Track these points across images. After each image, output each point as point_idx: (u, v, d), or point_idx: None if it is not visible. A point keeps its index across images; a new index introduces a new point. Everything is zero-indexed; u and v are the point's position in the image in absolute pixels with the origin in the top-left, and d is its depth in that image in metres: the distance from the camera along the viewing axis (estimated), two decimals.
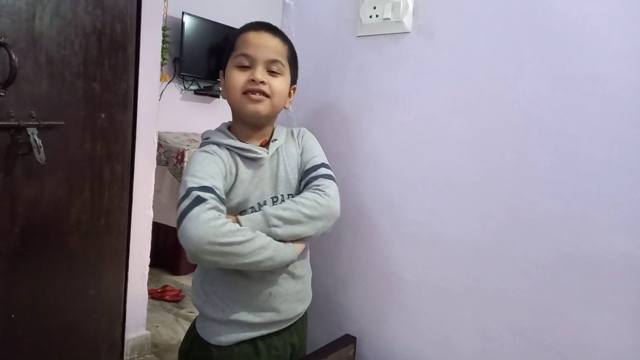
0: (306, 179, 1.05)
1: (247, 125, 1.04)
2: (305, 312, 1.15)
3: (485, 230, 1.06)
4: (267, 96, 1.00)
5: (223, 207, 0.90)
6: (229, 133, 1.04)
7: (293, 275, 1.05)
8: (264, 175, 1.03)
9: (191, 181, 0.92)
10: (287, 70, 1.04)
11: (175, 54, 3.61)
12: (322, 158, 1.09)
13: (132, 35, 1.69)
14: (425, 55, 1.13)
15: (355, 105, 1.25)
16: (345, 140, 1.27)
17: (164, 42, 2.84)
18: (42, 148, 1.39)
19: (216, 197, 0.90)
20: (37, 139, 1.39)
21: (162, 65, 2.96)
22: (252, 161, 1.02)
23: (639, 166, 0.88)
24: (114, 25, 1.61)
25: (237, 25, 3.74)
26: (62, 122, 1.49)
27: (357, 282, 1.25)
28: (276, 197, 1.03)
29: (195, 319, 1.08)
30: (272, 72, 1.01)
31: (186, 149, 3.12)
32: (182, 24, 3.53)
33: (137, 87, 1.77)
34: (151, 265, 2.20)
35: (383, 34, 1.19)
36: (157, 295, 2.87)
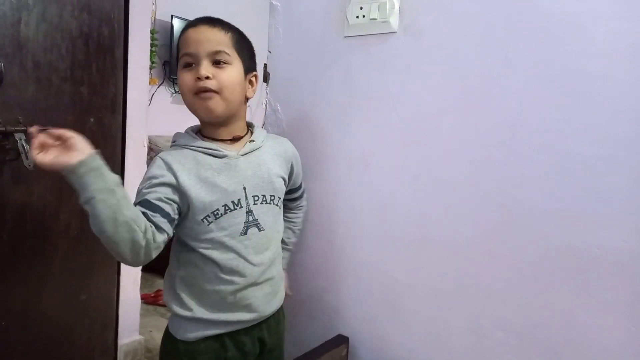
0: (294, 195, 1.19)
1: (211, 124, 1.02)
2: (282, 311, 1.14)
3: (475, 228, 1.06)
4: (216, 92, 0.96)
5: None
6: (194, 135, 1.02)
7: (262, 279, 1.03)
8: (241, 174, 1.00)
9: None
10: (235, 59, 0.99)
11: (165, 57, 3.60)
12: (301, 175, 1.19)
13: (120, 38, 1.68)
14: (413, 54, 1.14)
15: (344, 106, 1.25)
16: (334, 140, 1.27)
17: (152, 45, 2.82)
18: (30, 153, 1.38)
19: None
20: (24, 145, 1.37)
21: (151, 68, 2.95)
22: (221, 159, 0.99)
23: (627, 162, 0.89)
24: (101, 28, 1.60)
25: None
26: (50, 127, 1.48)
27: (349, 282, 1.25)
28: (257, 196, 1.01)
29: None
30: (217, 64, 0.97)
31: None
32: (172, 27, 3.51)
33: (125, 90, 1.76)
34: (144, 270, 2.19)
35: (370, 34, 1.19)
36: (150, 299, 2.85)
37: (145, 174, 0.97)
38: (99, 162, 0.86)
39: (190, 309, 1.00)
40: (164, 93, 3.71)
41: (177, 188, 0.94)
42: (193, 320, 1.00)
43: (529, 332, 1.00)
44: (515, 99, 1.00)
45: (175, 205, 0.94)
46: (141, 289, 2.20)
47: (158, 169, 0.96)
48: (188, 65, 0.97)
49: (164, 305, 2.83)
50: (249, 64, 1.04)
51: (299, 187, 1.20)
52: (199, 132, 1.05)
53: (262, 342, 1.08)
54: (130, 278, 2.07)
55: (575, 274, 0.94)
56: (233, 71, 0.98)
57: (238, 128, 1.04)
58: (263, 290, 1.04)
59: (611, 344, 0.91)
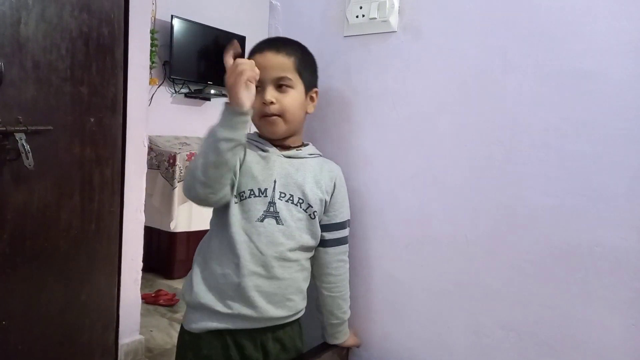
0: (334, 233, 1.13)
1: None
2: (297, 328, 1.13)
3: (475, 226, 1.07)
4: (280, 115, 1.06)
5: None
6: (256, 130, 1.14)
7: (268, 274, 1.03)
8: (276, 170, 1.07)
9: None
10: (297, 82, 1.07)
11: (165, 57, 3.60)
12: (348, 210, 1.17)
13: (120, 38, 1.68)
14: (412, 53, 1.14)
15: (344, 105, 1.25)
16: (334, 139, 1.27)
17: (152, 45, 2.83)
18: (30, 153, 1.38)
19: None
20: (25, 144, 1.38)
21: (151, 68, 2.95)
22: (263, 152, 1.08)
23: (626, 160, 0.89)
24: (101, 29, 1.61)
25: (227, 27, 3.75)
26: (50, 127, 1.48)
27: (349, 281, 1.25)
28: (284, 193, 1.06)
29: None
30: (280, 87, 1.06)
31: (177, 152, 3.11)
32: (172, 27, 3.52)
33: (126, 90, 1.76)
34: (144, 270, 2.19)
35: (370, 34, 1.19)
36: (151, 299, 2.86)
37: None
38: None
39: (198, 295, 1.04)
40: (164, 93, 3.72)
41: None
42: (199, 309, 1.04)
43: (529, 330, 1.00)
44: (514, 97, 1.00)
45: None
46: (142, 288, 2.20)
47: None
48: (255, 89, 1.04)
49: (164, 305, 2.84)
50: (310, 81, 1.12)
51: (342, 226, 1.14)
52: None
53: (265, 351, 1.07)
54: (131, 278, 2.08)
55: (575, 272, 0.94)
56: (295, 95, 1.07)
57: (293, 140, 1.14)
58: (268, 287, 1.03)
59: (611, 342, 0.91)
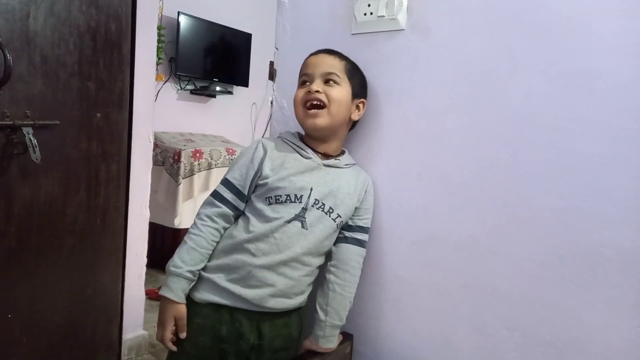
0: (357, 234, 1.16)
1: (313, 137, 1.16)
2: (296, 317, 1.15)
3: (480, 226, 1.06)
4: (323, 106, 1.09)
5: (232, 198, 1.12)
6: (296, 135, 1.19)
7: (278, 271, 1.07)
8: (314, 178, 1.11)
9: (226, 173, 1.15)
10: (344, 82, 1.12)
11: (171, 53, 3.61)
12: (371, 220, 1.20)
13: (127, 34, 1.68)
14: (420, 52, 1.14)
15: None
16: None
17: (159, 41, 2.83)
18: (38, 147, 1.39)
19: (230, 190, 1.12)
20: (32, 139, 1.38)
21: (158, 65, 2.96)
22: (303, 158, 1.13)
23: (633, 160, 0.89)
24: (109, 24, 1.61)
25: (233, 25, 3.76)
26: (58, 122, 1.49)
27: None
28: (318, 200, 1.10)
29: None
30: (328, 82, 1.11)
31: (183, 149, 3.11)
32: (178, 23, 3.52)
33: (132, 86, 1.76)
34: (148, 266, 2.20)
35: (378, 32, 1.19)
36: (154, 295, 2.86)
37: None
38: None
39: (210, 272, 1.10)
40: (170, 89, 3.72)
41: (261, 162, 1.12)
42: (207, 282, 1.09)
43: (534, 330, 1.00)
44: (522, 97, 1.00)
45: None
46: (146, 284, 2.21)
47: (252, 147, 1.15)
48: (303, 84, 1.13)
49: None
50: (358, 91, 1.16)
51: (364, 230, 1.17)
52: (303, 137, 1.20)
53: (260, 333, 1.10)
54: (135, 274, 2.09)
55: (580, 273, 0.94)
56: (341, 90, 1.11)
57: (333, 148, 1.17)
58: (274, 282, 1.07)
59: (616, 343, 0.91)
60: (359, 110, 1.17)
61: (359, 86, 1.16)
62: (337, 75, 1.11)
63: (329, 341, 1.14)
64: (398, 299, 1.19)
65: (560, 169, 0.96)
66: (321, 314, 1.14)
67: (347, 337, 1.23)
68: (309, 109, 1.10)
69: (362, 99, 1.18)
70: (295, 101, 1.13)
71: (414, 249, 1.16)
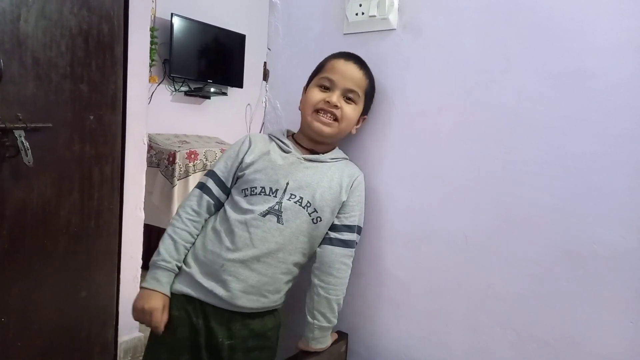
0: (341, 234, 1.14)
1: (307, 136, 1.16)
2: (273, 316, 1.14)
3: (474, 225, 1.07)
4: (337, 120, 1.11)
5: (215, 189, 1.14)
6: (284, 132, 1.21)
7: (251, 266, 1.06)
8: (292, 172, 1.10)
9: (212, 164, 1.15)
10: (360, 101, 1.13)
11: (164, 55, 3.60)
12: (361, 217, 1.17)
13: (120, 36, 1.68)
14: (412, 51, 1.14)
15: None
16: None
17: (152, 43, 2.82)
18: (30, 150, 1.38)
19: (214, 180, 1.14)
20: (24, 141, 1.38)
21: (151, 66, 2.95)
22: (283, 152, 1.14)
23: (626, 159, 0.89)
24: (101, 26, 1.61)
25: (227, 26, 3.76)
26: (50, 124, 1.48)
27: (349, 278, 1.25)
28: (294, 195, 1.09)
29: None
30: (347, 99, 1.11)
31: (177, 150, 3.10)
32: (171, 25, 3.51)
33: (125, 87, 1.76)
34: (144, 267, 2.19)
35: (369, 32, 1.19)
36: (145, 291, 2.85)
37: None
38: None
39: (187, 265, 1.10)
40: (164, 91, 3.71)
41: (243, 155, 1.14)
42: (182, 273, 1.10)
43: (527, 328, 1.00)
44: (515, 96, 1.00)
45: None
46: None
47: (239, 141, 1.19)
48: (322, 87, 1.12)
49: None
50: (367, 107, 1.17)
51: (350, 229, 1.14)
52: (292, 134, 1.21)
53: (230, 332, 1.09)
54: (130, 275, 2.08)
55: (574, 271, 0.94)
56: (355, 110, 1.13)
57: (322, 149, 1.17)
58: (246, 277, 1.06)
59: (609, 341, 0.91)
60: (358, 125, 1.18)
61: (369, 103, 1.17)
62: (358, 94, 1.12)
63: (319, 342, 1.13)
64: (392, 298, 1.19)
65: (554, 168, 0.96)
66: (308, 317, 1.13)
67: (342, 336, 1.23)
68: (323, 113, 1.11)
69: (365, 115, 1.19)
70: (307, 101, 1.12)
71: (408, 248, 1.16)
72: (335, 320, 1.14)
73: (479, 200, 1.06)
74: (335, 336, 1.20)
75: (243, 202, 1.09)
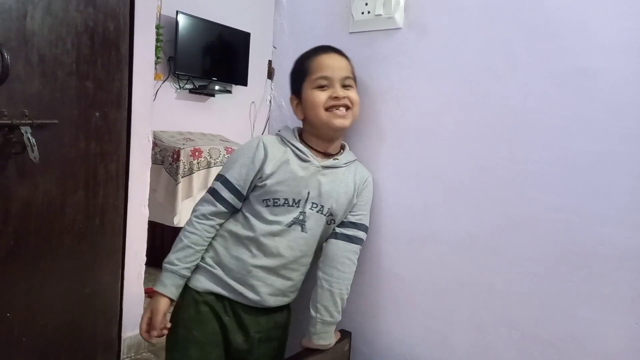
0: (346, 230, 1.16)
1: (320, 138, 1.16)
2: (288, 307, 1.21)
3: (478, 224, 1.06)
4: (349, 108, 1.13)
5: (229, 197, 1.13)
6: (295, 134, 1.17)
7: (279, 272, 1.12)
8: (312, 182, 1.11)
9: (223, 168, 1.16)
10: (355, 83, 1.16)
11: (169, 53, 3.60)
12: (367, 217, 1.19)
13: (125, 33, 1.68)
14: (417, 50, 1.14)
15: None
16: None
17: (157, 40, 2.82)
18: (36, 147, 1.39)
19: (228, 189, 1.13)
20: (30, 138, 1.39)
21: (156, 64, 2.96)
22: (302, 162, 1.13)
23: (630, 159, 0.89)
24: (107, 23, 1.61)
25: (232, 24, 3.76)
26: (56, 121, 1.49)
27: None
28: (316, 204, 1.12)
29: None
30: (346, 87, 1.13)
31: (182, 147, 3.11)
32: (177, 23, 3.52)
33: (131, 85, 1.76)
34: (148, 264, 2.20)
35: (375, 30, 1.19)
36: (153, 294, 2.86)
37: (234, 153, 1.17)
38: None
39: (212, 266, 1.13)
40: (169, 88, 3.72)
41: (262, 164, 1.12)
42: (207, 273, 1.13)
43: (531, 328, 1.00)
44: (519, 96, 1.00)
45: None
46: (145, 283, 2.21)
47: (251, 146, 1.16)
48: (321, 87, 1.12)
49: None
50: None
51: (355, 226, 1.16)
52: (301, 133, 1.19)
53: (259, 325, 1.15)
54: (135, 272, 2.09)
55: (578, 270, 0.94)
56: (356, 93, 1.15)
57: (334, 147, 1.18)
58: (274, 282, 1.12)
59: (613, 340, 0.91)
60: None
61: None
62: (351, 78, 1.14)
63: (322, 338, 1.14)
64: (396, 297, 1.19)
65: (558, 168, 0.96)
66: (312, 311, 1.14)
67: (345, 334, 1.23)
68: (334, 109, 1.11)
69: None
70: (315, 104, 1.11)
71: (411, 247, 1.16)
72: (338, 316, 1.15)
73: (482, 199, 1.06)
74: (339, 335, 1.20)
75: (266, 213, 1.11)
